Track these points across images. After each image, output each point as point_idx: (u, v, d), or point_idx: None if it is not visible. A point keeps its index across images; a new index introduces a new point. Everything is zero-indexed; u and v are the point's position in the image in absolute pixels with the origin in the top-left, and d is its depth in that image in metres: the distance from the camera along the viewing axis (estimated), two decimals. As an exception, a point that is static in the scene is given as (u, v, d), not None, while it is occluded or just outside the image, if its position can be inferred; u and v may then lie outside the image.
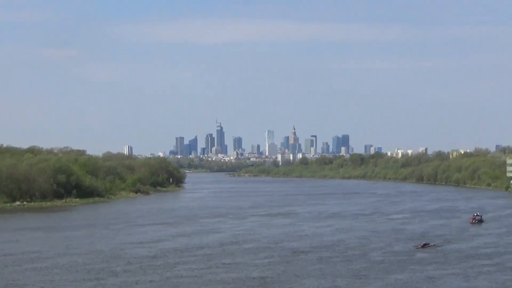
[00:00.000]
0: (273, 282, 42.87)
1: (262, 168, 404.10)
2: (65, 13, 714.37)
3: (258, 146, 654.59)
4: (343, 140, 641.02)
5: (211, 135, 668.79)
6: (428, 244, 59.71)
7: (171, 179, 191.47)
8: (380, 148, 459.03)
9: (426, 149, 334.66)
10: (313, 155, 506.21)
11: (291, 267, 48.99)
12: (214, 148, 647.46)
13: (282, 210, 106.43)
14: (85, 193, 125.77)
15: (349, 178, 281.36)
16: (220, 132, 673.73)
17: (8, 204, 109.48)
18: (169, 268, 48.37)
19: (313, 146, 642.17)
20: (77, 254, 55.61)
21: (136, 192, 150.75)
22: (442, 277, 44.77)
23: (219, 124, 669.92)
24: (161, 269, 47.93)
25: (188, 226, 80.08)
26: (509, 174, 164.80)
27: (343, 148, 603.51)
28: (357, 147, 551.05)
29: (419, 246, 58.68)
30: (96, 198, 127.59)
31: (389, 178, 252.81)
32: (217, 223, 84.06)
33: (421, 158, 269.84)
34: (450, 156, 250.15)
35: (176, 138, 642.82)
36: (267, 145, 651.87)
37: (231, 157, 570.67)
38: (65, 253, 56.58)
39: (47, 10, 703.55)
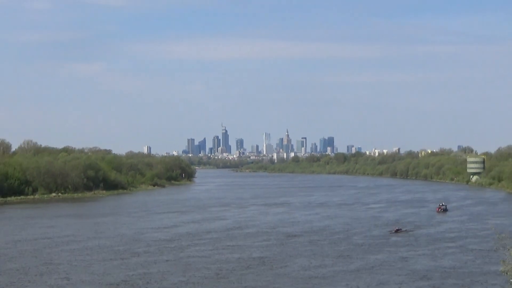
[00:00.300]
0: (271, 261, 42.62)
1: (260, 165, 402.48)
2: (91, 32, 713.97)
3: (257, 146, 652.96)
4: (329, 141, 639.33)
5: (217, 137, 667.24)
6: (401, 229, 58.96)
7: (183, 174, 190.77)
8: (360, 148, 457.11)
9: (399, 149, 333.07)
10: (303, 154, 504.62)
11: (286, 248, 48.71)
12: (220, 148, 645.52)
13: (277, 200, 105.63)
14: (111, 186, 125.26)
15: (334, 173, 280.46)
16: (225, 135, 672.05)
17: (46, 195, 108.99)
18: (182, 250, 48.11)
19: (303, 146, 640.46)
20: (105, 238, 55.32)
21: (154, 185, 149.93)
22: (413, 257, 44.56)
23: (224, 128, 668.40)
24: (176, 250, 47.67)
25: (198, 214, 79.55)
26: (469, 170, 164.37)
27: (328, 148, 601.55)
28: (341, 147, 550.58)
29: (393, 231, 58.02)
30: (120, 190, 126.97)
31: (368, 174, 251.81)
32: (222, 211, 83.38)
33: (394, 157, 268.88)
34: (419, 155, 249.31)
35: (188, 140, 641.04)
36: (264, 145, 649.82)
37: (234, 156, 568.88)
38: (94, 236, 56.29)
39: (74, 29, 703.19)
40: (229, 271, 39.06)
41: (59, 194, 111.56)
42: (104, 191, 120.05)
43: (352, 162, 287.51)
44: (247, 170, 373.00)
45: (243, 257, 44.37)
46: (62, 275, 38.02)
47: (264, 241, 52.69)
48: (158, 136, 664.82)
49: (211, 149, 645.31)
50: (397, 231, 58.05)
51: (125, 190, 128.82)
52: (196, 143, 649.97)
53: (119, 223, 68.32)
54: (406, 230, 59.35)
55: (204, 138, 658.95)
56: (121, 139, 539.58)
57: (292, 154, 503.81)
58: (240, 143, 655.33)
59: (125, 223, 67.82)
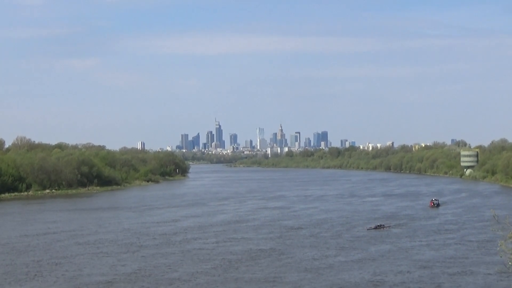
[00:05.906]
0: (277, 253, 44.03)
1: (254, 160, 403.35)
2: (85, 28, 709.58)
3: (251, 141, 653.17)
4: (323, 136, 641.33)
5: (211, 132, 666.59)
6: (382, 226, 57.21)
7: (177, 170, 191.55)
8: (354, 142, 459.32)
9: (392, 143, 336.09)
10: (297, 149, 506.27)
11: (289, 240, 50.13)
12: (213, 143, 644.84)
13: (274, 194, 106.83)
14: (105, 182, 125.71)
15: (328, 167, 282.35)
16: (219, 130, 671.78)
17: (40, 192, 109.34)
18: (189, 242, 49.50)
19: (297, 141, 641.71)
20: (109, 232, 56.49)
21: (148, 181, 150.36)
22: (414, 248, 46.27)
23: (217, 123, 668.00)
24: (182, 243, 49.03)
25: (197, 208, 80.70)
26: (462, 164, 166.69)
27: (322, 143, 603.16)
28: (335, 142, 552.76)
29: (372, 228, 56.30)
30: (114, 186, 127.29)
31: (362, 168, 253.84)
32: (221, 205, 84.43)
33: (388, 151, 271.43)
34: (413, 149, 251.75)
35: (182, 135, 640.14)
36: (258, 140, 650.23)
37: (228, 151, 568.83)
38: (99, 231, 57.41)
39: (68, 25, 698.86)
40: (237, 262, 40.52)
41: (53, 190, 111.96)
42: (98, 187, 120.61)
43: (346, 157, 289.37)
44: (241, 165, 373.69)
45: (248, 249, 45.80)
46: (76, 267, 39.38)
47: (267, 233, 54.14)
48: (152, 132, 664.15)
49: (205, 144, 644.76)
50: (377, 227, 56.35)
51: (119, 186, 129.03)
52: (190, 138, 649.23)
53: (121, 217, 69.36)
54: (388, 226, 57.75)
55: (198, 133, 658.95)
56: (115, 134, 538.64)
57: (286, 149, 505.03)
58: (234, 138, 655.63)
59: (127, 218, 68.93)
